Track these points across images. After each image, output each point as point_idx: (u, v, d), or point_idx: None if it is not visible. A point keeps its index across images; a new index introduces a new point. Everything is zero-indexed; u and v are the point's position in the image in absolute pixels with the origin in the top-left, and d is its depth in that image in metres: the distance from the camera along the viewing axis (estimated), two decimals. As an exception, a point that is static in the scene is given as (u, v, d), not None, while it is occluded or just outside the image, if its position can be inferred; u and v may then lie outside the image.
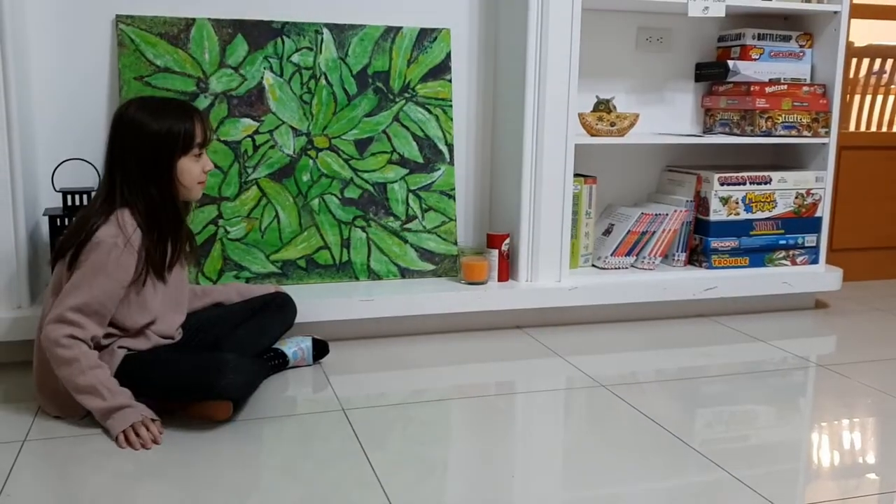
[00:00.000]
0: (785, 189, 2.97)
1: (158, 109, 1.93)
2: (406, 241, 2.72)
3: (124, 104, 1.97)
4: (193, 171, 1.96)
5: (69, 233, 1.90)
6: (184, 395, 1.90)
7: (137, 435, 1.79)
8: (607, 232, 2.94)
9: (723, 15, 2.82)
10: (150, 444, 1.78)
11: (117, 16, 2.47)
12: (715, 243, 2.92)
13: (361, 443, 1.82)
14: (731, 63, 2.96)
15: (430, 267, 2.75)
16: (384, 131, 2.71)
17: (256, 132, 2.57)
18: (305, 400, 2.09)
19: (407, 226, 2.73)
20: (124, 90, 2.46)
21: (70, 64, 2.49)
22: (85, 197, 2.33)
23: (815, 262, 3.04)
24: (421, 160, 2.75)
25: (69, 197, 2.32)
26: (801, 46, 3.03)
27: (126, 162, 1.90)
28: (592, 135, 2.79)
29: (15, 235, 2.24)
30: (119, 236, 1.84)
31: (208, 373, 1.84)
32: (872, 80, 3.63)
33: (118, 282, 1.86)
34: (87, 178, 2.45)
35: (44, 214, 2.34)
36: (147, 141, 1.90)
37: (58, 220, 2.29)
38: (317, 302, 2.45)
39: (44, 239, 2.45)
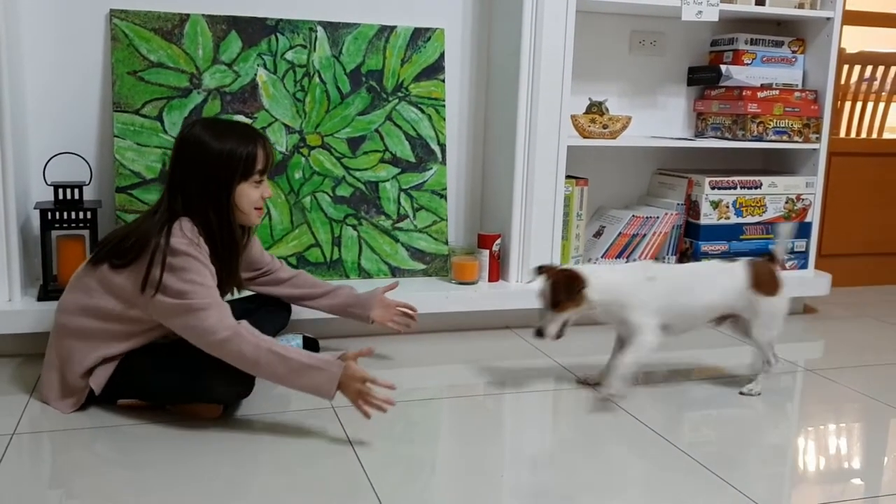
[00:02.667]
0: (775, 194, 2.98)
1: (222, 131, 1.91)
2: (397, 240, 2.72)
3: (189, 123, 1.95)
4: (252, 196, 1.94)
5: (127, 240, 1.86)
6: (178, 398, 1.91)
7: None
8: (598, 234, 2.95)
9: (716, 19, 2.83)
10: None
11: (111, 10, 2.47)
12: (705, 247, 2.93)
13: (351, 441, 1.82)
14: (723, 67, 2.97)
15: (421, 266, 2.75)
16: (377, 130, 2.71)
17: (249, 129, 2.57)
18: (295, 398, 2.08)
19: (398, 225, 2.73)
20: (117, 85, 2.45)
21: (63, 58, 2.48)
22: (76, 191, 2.32)
23: (804, 267, 3.06)
24: (413, 159, 2.75)
25: (60, 191, 2.31)
26: (794, 52, 3.05)
27: (186, 182, 1.89)
28: (585, 137, 2.80)
29: (6, 229, 2.23)
30: (192, 245, 1.83)
31: (205, 379, 1.83)
32: (863, 86, 3.65)
33: (209, 267, 1.85)
34: (79, 172, 2.45)
35: (35, 208, 2.33)
36: (208, 162, 1.88)
37: (49, 213, 2.28)
38: (307, 300, 2.44)
39: (34, 233, 2.45)
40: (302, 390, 1.79)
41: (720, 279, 2.14)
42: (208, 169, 1.88)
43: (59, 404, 1.92)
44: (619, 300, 2.07)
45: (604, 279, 2.05)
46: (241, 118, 2.56)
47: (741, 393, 2.19)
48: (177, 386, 1.88)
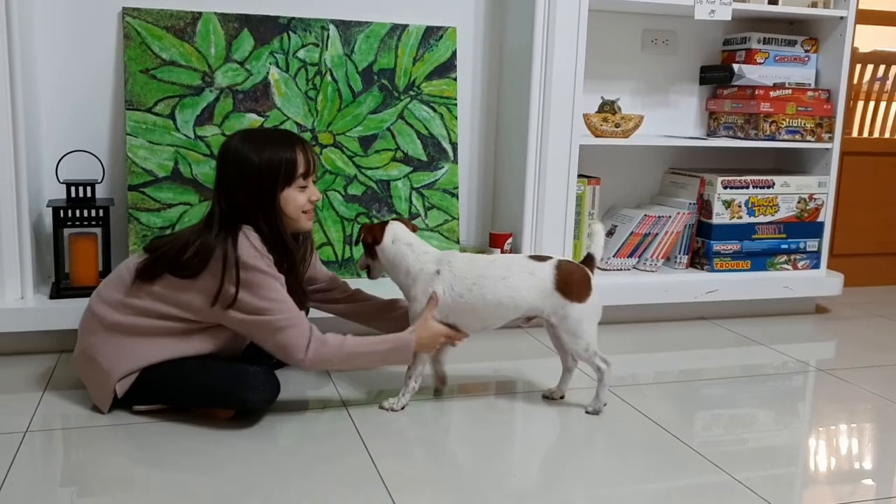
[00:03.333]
0: (787, 193, 2.97)
1: (261, 140, 1.92)
2: (408, 239, 2.72)
3: (229, 137, 1.95)
4: (298, 200, 1.93)
5: (185, 251, 1.84)
6: (207, 403, 1.90)
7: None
8: (610, 233, 2.94)
9: (729, 18, 2.82)
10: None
11: (124, 8, 2.47)
12: (717, 246, 2.92)
13: (364, 440, 1.82)
14: (735, 67, 2.96)
15: (432, 265, 2.75)
16: (388, 129, 2.71)
17: (261, 127, 2.57)
18: (308, 397, 2.09)
19: (410, 223, 2.73)
20: (130, 83, 2.46)
21: (76, 56, 2.49)
22: (88, 189, 2.33)
23: (816, 266, 3.05)
24: (425, 158, 2.75)
25: (73, 189, 2.32)
26: (807, 51, 3.04)
27: (233, 194, 1.89)
28: (597, 136, 2.79)
29: (18, 227, 2.24)
30: (260, 257, 1.84)
31: (236, 386, 1.85)
32: (876, 86, 3.63)
33: (279, 278, 1.87)
34: (92, 170, 2.45)
35: (47, 206, 2.34)
36: (250, 172, 1.88)
37: (61, 211, 2.29)
38: (319, 298, 2.44)
39: (47, 230, 2.45)
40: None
41: (518, 278, 1.96)
42: (251, 179, 1.88)
43: (103, 403, 1.90)
44: (403, 280, 2.02)
45: (400, 251, 2.01)
46: (253, 117, 2.56)
47: (587, 412, 2.02)
48: (204, 396, 1.87)
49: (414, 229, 2.08)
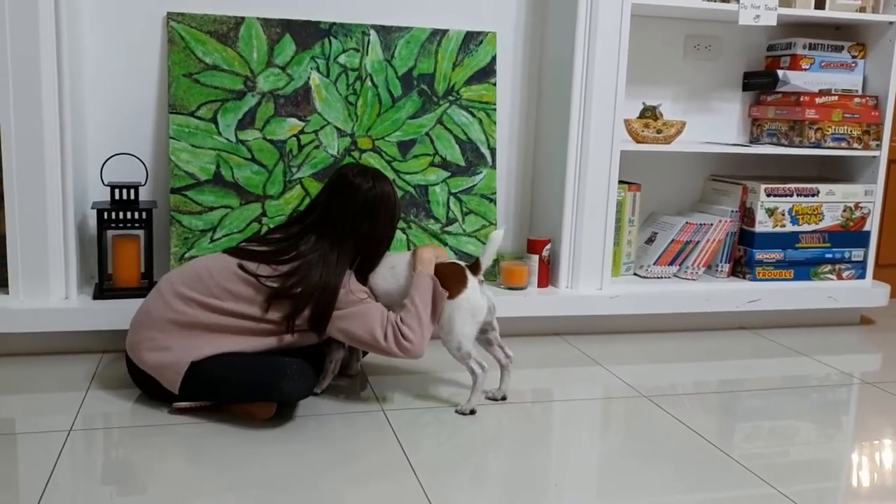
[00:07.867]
0: (833, 202, 2.92)
1: (389, 181, 2.08)
2: (446, 244, 2.72)
3: (375, 178, 2.05)
4: None
5: (306, 283, 1.94)
6: (244, 396, 1.92)
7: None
8: (650, 240, 2.91)
9: (774, 24, 2.78)
10: None
11: (168, 13, 2.50)
12: (760, 255, 2.88)
13: (402, 445, 1.82)
14: (780, 73, 2.92)
15: (471, 270, 2.74)
16: (427, 134, 2.71)
17: (302, 132, 2.59)
18: (346, 399, 2.09)
19: (447, 228, 2.72)
20: (173, 87, 2.49)
21: (121, 60, 2.53)
22: (132, 191, 2.36)
23: (861, 277, 2.99)
24: (463, 163, 2.74)
25: (117, 191, 2.35)
26: (854, 57, 2.98)
27: (375, 238, 2.06)
28: (638, 141, 2.77)
29: (63, 228, 2.28)
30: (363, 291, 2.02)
31: (273, 377, 1.87)
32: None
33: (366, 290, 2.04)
34: (135, 172, 2.49)
35: (92, 208, 2.37)
36: (395, 221, 2.09)
37: (105, 213, 2.32)
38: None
39: (91, 232, 2.49)
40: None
41: (397, 270, 2.07)
42: (394, 227, 2.09)
43: (174, 385, 1.93)
44: None
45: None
46: (294, 121, 2.58)
47: (456, 412, 2.04)
48: (246, 386, 1.89)
49: None
